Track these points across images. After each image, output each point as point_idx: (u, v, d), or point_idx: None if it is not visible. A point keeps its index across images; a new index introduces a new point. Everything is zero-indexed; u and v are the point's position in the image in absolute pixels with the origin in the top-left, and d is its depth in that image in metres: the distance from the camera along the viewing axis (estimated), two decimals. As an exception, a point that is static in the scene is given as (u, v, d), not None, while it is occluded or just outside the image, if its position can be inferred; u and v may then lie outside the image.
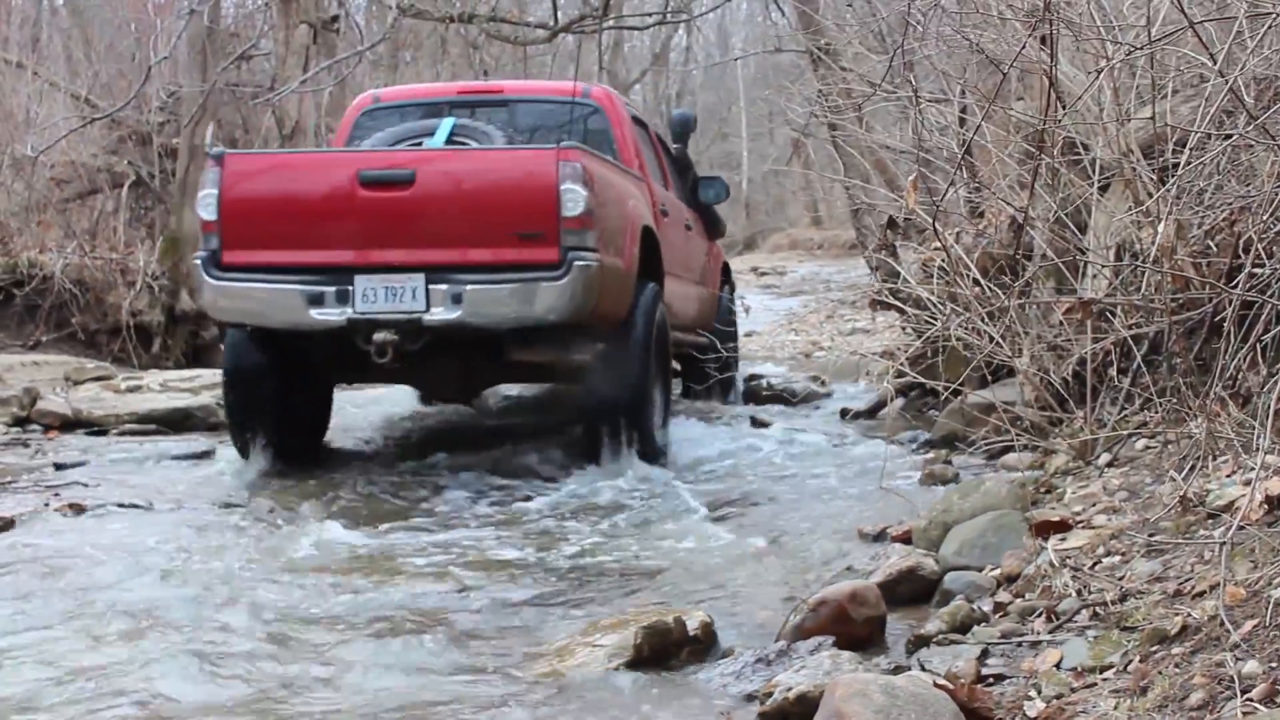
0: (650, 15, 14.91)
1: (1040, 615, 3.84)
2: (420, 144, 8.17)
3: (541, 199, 7.17)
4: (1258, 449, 3.79)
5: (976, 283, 6.46)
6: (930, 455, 7.18)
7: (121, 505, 6.70)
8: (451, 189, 7.38)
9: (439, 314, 7.16)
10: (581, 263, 7.12)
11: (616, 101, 9.28)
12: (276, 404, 7.86)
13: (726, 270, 11.43)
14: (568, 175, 7.15)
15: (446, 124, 8.37)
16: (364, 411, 10.08)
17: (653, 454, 7.66)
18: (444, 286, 7.16)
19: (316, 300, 7.25)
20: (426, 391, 9.89)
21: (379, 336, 7.16)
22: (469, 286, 7.14)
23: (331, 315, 7.24)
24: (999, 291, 6.31)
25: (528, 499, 7.02)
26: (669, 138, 10.69)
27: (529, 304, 7.13)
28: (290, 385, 7.97)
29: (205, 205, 7.48)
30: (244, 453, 7.81)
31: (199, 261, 7.52)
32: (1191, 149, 4.85)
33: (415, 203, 7.30)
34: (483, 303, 7.14)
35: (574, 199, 7.13)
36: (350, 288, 7.22)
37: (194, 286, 13.05)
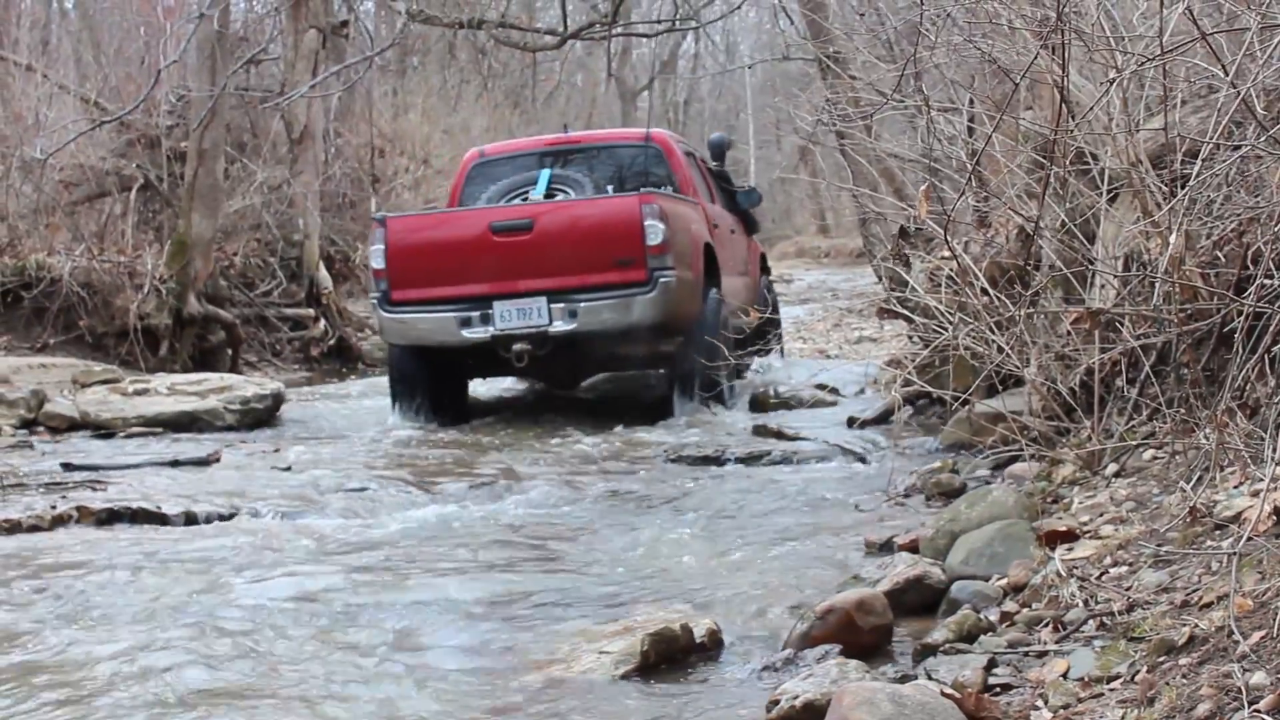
0: (659, 22, 14.93)
1: (1047, 625, 3.83)
2: (527, 193, 10.50)
3: (631, 233, 9.45)
4: (1266, 460, 3.79)
5: (985, 292, 6.46)
6: (937, 464, 7.17)
7: (129, 508, 6.71)
8: (562, 231, 9.66)
9: (560, 326, 9.49)
10: (664, 279, 9.43)
11: (672, 142, 11.51)
12: (426, 390, 10.10)
13: (764, 259, 13.65)
14: (648, 214, 9.44)
15: (545, 175, 10.64)
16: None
17: (724, 404, 9.96)
18: (562, 305, 9.47)
19: (466, 323, 9.58)
20: (545, 381, 11.73)
21: (517, 347, 9.51)
22: (582, 304, 9.45)
23: (478, 333, 9.58)
24: (1007, 301, 6.30)
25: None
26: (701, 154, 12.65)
27: (627, 313, 9.44)
28: (437, 377, 10.19)
29: (375, 257, 9.82)
30: (405, 419, 10.02)
31: (374, 301, 9.95)
32: (1201, 160, 4.84)
33: (535, 243, 9.58)
34: (592, 315, 9.45)
35: (654, 231, 9.43)
36: (491, 311, 9.54)
37: (199, 290, 13.42)
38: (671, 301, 9.52)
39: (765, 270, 13.65)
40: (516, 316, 9.50)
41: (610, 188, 10.83)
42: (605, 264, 9.50)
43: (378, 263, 9.84)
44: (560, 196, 10.47)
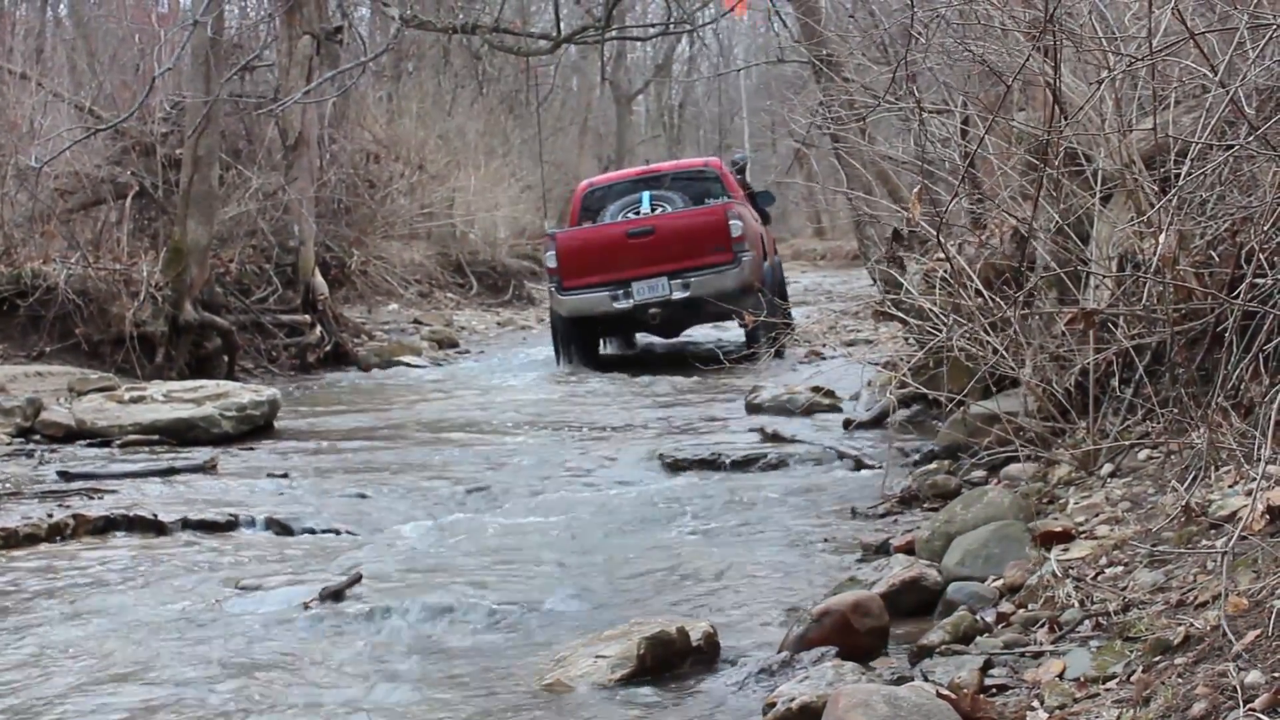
0: (652, 26, 15.01)
1: (1043, 626, 3.84)
2: (638, 209, 15.13)
3: (720, 229, 14.28)
4: (1259, 459, 3.79)
5: (979, 293, 6.46)
6: (932, 466, 7.17)
7: (126, 516, 6.70)
8: (674, 232, 14.38)
9: (678, 295, 14.22)
10: (745, 257, 14.26)
11: (722, 165, 16.72)
12: (580, 345, 14.95)
13: (774, 243, 18.06)
14: (731, 215, 14.38)
15: (647, 195, 15.25)
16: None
17: (782, 353, 13.42)
18: (679, 280, 14.18)
19: (615, 298, 14.29)
20: (660, 333, 16.24)
21: (652, 311, 14.34)
22: (693, 278, 14.13)
23: (624, 304, 14.33)
24: (1002, 302, 6.31)
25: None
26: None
27: (723, 282, 13.97)
28: (582, 333, 14.96)
29: (549, 259, 14.74)
30: (560, 362, 14.92)
31: (551, 288, 14.96)
32: (1193, 160, 4.85)
33: (657, 242, 14.27)
34: (700, 285, 14.05)
35: (736, 227, 14.29)
36: (630, 289, 14.25)
37: (195, 297, 13.48)
38: (749, 272, 14.16)
39: (775, 251, 18.10)
40: (648, 291, 14.21)
41: (690, 200, 15.31)
42: (705, 251, 14.13)
43: (551, 263, 14.67)
44: (659, 209, 15.05)
